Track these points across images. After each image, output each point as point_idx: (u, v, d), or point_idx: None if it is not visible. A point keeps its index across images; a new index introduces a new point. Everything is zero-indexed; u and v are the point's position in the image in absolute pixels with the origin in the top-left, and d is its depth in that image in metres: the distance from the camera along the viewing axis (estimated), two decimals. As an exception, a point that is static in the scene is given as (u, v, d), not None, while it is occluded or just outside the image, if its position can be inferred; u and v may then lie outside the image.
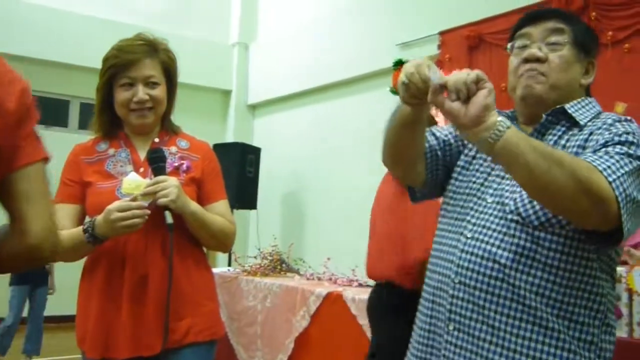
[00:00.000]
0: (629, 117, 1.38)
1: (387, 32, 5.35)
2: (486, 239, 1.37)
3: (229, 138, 7.54)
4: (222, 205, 1.94)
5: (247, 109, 7.73)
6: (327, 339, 3.66)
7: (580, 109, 1.42)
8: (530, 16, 1.48)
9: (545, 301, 1.29)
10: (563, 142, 1.40)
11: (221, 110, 7.80)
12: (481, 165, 1.50)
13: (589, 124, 1.39)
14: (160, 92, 1.89)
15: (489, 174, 1.47)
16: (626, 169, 1.21)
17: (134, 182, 1.78)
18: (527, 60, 1.43)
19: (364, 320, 3.35)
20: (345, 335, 3.52)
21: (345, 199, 5.77)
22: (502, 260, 1.33)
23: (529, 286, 1.30)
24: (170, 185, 1.76)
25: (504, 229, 1.35)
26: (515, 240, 1.33)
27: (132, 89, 1.87)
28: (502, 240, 1.35)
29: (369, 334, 3.34)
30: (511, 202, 1.37)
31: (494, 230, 1.37)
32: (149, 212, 1.74)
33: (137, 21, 6.93)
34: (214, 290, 2.01)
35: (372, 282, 4.21)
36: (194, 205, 1.82)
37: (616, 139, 1.29)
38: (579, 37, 1.43)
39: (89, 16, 6.73)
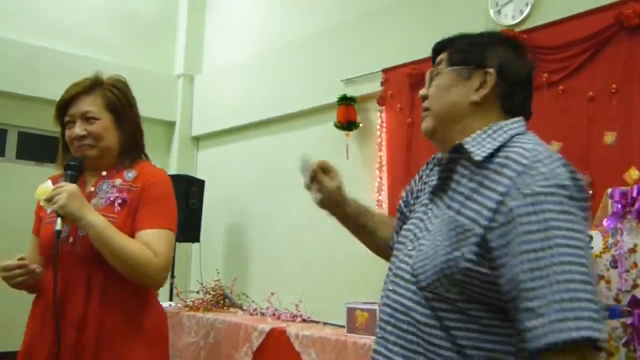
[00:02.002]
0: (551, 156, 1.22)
1: (331, 68, 5.43)
2: (400, 290, 1.34)
3: (173, 170, 7.45)
4: (149, 234, 1.82)
5: (190, 141, 7.68)
6: (270, 376, 3.63)
7: (478, 145, 1.31)
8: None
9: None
10: (465, 181, 1.31)
11: (165, 141, 7.72)
12: (421, 204, 1.46)
13: (494, 165, 1.26)
14: (98, 127, 1.90)
15: (421, 219, 1.41)
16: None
17: (43, 188, 1.80)
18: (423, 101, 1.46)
19: (307, 357, 3.34)
20: (288, 372, 3.49)
21: (290, 234, 5.76)
22: (416, 316, 1.28)
23: (442, 342, 1.24)
24: (62, 191, 1.73)
25: (411, 285, 1.31)
26: (417, 298, 1.29)
27: (73, 127, 1.91)
28: (414, 293, 1.30)
29: (312, 370, 3.32)
30: (411, 260, 1.34)
31: (408, 281, 1.32)
32: (34, 268, 1.75)
33: (80, 51, 6.84)
34: (151, 332, 1.91)
35: (315, 318, 4.19)
36: (95, 219, 1.74)
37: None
38: (458, 55, 1.39)
39: (29, 44, 6.59)
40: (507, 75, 1.34)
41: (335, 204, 1.70)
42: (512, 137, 1.30)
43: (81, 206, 1.75)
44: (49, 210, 1.81)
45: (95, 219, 1.75)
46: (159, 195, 1.93)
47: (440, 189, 1.38)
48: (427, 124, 1.42)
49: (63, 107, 1.93)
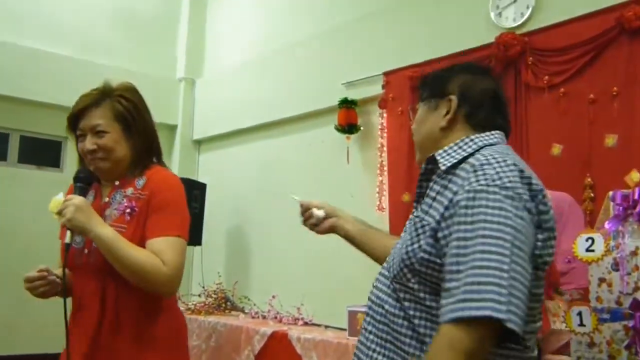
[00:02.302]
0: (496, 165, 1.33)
1: (332, 71, 5.43)
2: (380, 285, 1.51)
3: (174, 173, 7.45)
4: (158, 242, 1.83)
5: (192, 144, 7.69)
6: (271, 379, 3.63)
7: (446, 155, 1.46)
8: None
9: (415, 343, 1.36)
10: (435, 186, 1.46)
11: (166, 145, 7.72)
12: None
13: (458, 170, 1.40)
14: (108, 140, 1.91)
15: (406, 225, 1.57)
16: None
17: (55, 201, 1.84)
18: None
19: (309, 360, 3.34)
20: (290, 376, 3.49)
21: (291, 237, 5.76)
22: (386, 306, 1.44)
23: (404, 330, 1.38)
24: (69, 205, 1.77)
25: (387, 280, 1.49)
26: (389, 291, 1.45)
27: (84, 141, 1.92)
28: (387, 287, 1.47)
29: (314, 373, 3.32)
30: (389, 257, 1.53)
31: (385, 277, 1.50)
32: (54, 278, 1.84)
33: (81, 55, 6.85)
34: (167, 339, 1.93)
35: (317, 321, 4.18)
36: (103, 231, 1.77)
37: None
38: (426, 90, 1.58)
39: (29, 47, 6.59)
40: (467, 97, 1.49)
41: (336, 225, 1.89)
42: (482, 147, 1.43)
43: (88, 219, 1.78)
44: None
45: (103, 231, 1.78)
46: (167, 202, 1.91)
47: (420, 196, 1.54)
48: (417, 158, 1.62)
49: (74, 120, 1.95)
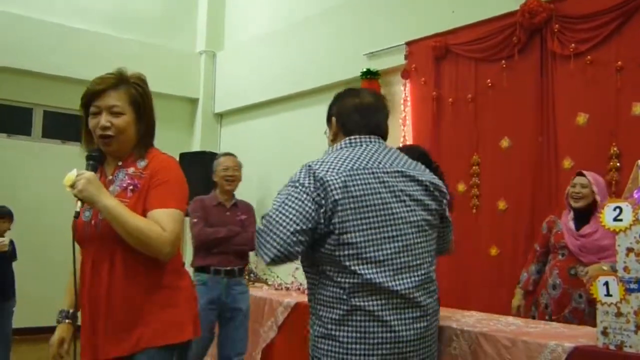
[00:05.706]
0: None
1: (354, 42, 5.39)
2: None
3: (196, 146, 7.49)
4: (158, 212, 2.03)
5: (213, 118, 7.70)
6: (294, 350, 3.66)
7: None
8: None
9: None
10: None
11: (188, 118, 7.76)
12: None
13: None
14: (122, 121, 2.10)
15: None
16: None
17: (69, 177, 2.05)
18: None
19: (332, 331, 3.35)
20: (313, 346, 3.51)
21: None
22: None
23: None
24: (81, 178, 1.98)
25: None
26: None
27: (98, 117, 2.10)
28: None
29: (337, 344, 3.33)
30: None
31: None
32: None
33: (103, 30, 6.86)
34: (174, 296, 2.12)
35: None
36: (109, 201, 1.99)
37: None
38: (326, 119, 2.26)
39: (51, 22, 6.62)
40: (341, 114, 2.12)
41: None
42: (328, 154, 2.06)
43: (98, 191, 1.99)
44: (73, 195, 2.02)
45: (109, 201, 1.98)
46: (166, 180, 2.11)
47: None
48: None
49: (89, 98, 2.13)
